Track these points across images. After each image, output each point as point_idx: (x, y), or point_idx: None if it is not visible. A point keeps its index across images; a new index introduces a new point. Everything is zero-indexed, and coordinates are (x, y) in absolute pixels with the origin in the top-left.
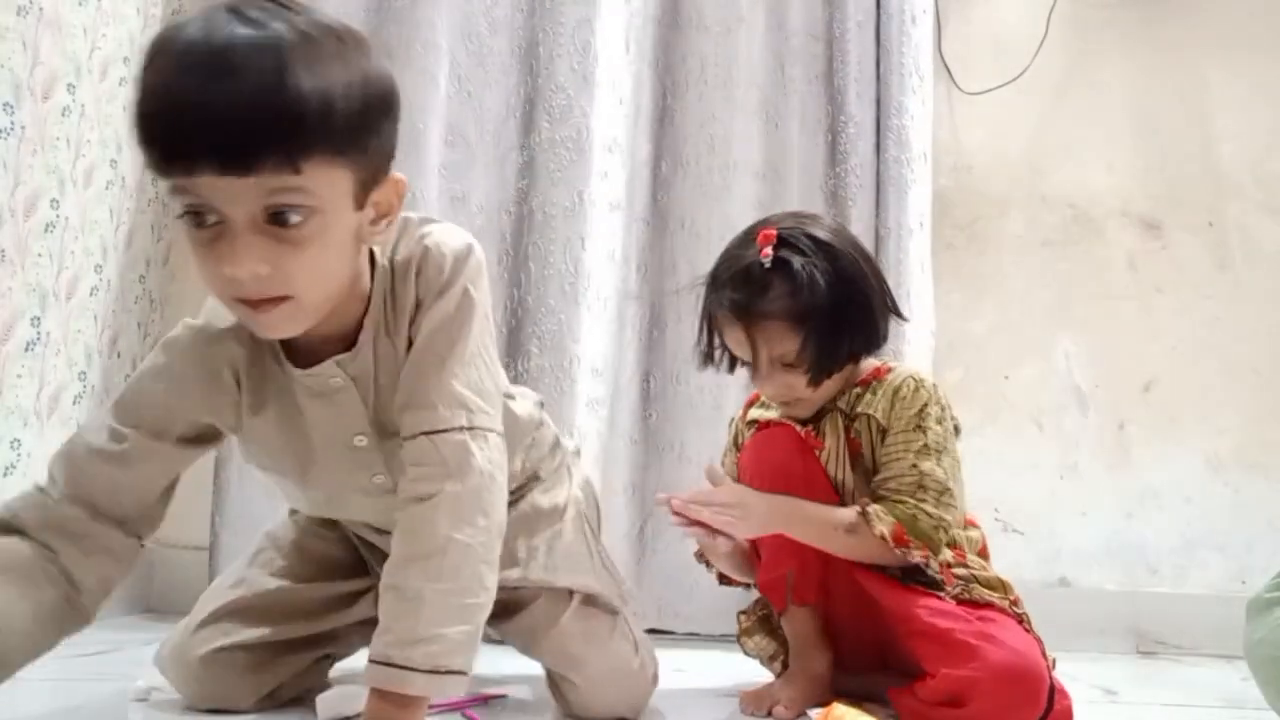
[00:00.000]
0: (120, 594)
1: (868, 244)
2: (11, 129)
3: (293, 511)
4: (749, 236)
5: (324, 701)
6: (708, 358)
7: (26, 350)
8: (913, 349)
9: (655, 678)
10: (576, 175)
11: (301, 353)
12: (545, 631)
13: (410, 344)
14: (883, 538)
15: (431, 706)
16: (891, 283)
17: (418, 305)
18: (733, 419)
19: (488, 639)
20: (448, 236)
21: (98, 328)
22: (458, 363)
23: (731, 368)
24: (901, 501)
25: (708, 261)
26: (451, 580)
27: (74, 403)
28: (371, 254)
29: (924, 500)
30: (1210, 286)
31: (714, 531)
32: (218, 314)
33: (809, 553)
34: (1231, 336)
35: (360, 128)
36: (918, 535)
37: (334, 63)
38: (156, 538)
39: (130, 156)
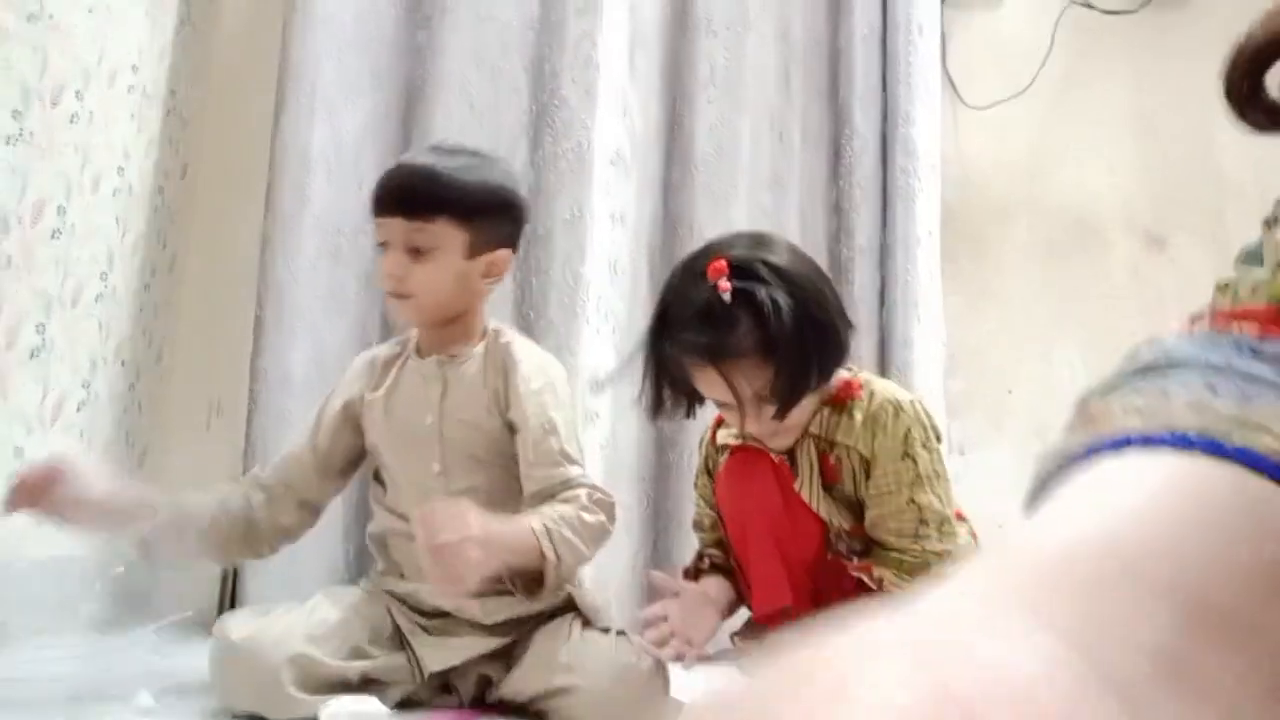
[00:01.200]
0: (124, 605)
1: (874, 255)
2: (20, 135)
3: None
4: (696, 271)
5: (328, 713)
6: (658, 406)
7: (31, 357)
8: (922, 359)
9: (661, 675)
10: (577, 188)
11: (425, 351)
12: (548, 650)
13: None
14: None
15: (434, 709)
16: (900, 294)
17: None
18: (702, 439)
19: None
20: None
21: (102, 335)
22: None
23: (689, 412)
24: (905, 551)
25: None
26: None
27: (77, 410)
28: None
29: (927, 537)
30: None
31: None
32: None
33: (802, 587)
34: None
35: (475, 208)
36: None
37: (468, 173)
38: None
39: (138, 163)
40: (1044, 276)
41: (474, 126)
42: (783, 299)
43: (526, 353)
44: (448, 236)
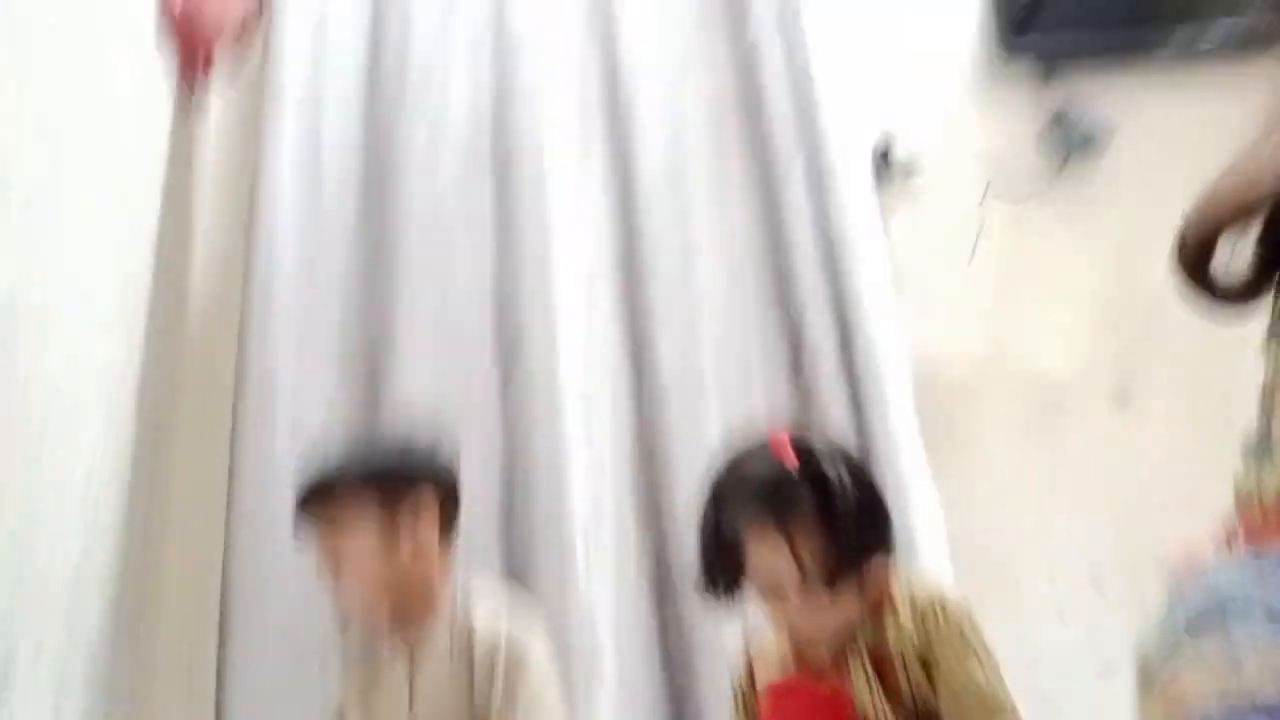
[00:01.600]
0: None
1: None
2: None
3: None
4: (756, 451)
5: None
6: (711, 585)
7: None
8: (928, 559)
9: None
10: (550, 434)
11: (391, 635)
12: None
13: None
14: None
15: None
16: (892, 497)
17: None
18: (735, 685)
19: None
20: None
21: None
22: None
23: (730, 592)
24: None
25: (690, 493)
26: None
27: None
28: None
29: None
30: (1190, 451)
31: None
32: None
33: None
34: (1223, 495)
35: (384, 494)
36: None
37: (378, 459)
38: None
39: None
40: (1022, 451)
41: (439, 392)
42: (844, 473)
43: (508, 648)
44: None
